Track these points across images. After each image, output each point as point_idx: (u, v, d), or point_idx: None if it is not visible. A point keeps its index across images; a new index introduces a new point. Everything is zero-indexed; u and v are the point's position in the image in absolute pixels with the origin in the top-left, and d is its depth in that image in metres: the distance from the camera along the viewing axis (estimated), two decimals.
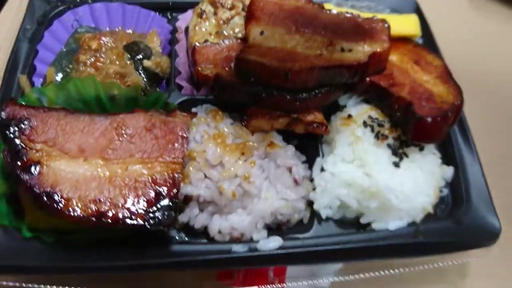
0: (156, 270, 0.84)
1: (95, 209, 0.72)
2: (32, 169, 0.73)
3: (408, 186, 0.87)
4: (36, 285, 0.79)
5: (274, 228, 0.92)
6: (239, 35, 1.07)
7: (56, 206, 0.72)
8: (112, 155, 0.77)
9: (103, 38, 1.06)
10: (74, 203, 0.72)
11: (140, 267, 0.82)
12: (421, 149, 0.91)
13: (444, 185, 0.97)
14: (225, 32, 1.08)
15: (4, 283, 0.79)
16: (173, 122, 0.82)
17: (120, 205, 0.74)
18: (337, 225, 0.92)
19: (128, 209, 0.74)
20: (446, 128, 0.88)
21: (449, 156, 1.00)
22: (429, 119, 0.83)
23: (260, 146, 0.89)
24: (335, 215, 0.92)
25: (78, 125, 0.79)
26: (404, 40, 1.10)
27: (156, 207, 0.75)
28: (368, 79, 0.96)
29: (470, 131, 1.02)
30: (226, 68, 0.96)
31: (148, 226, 0.74)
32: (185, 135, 0.82)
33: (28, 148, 0.75)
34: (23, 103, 0.83)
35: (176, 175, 0.78)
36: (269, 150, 0.89)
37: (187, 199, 0.85)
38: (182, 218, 0.86)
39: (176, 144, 0.80)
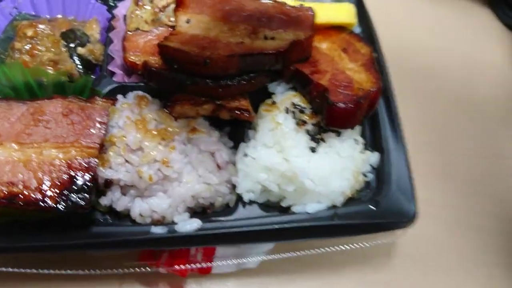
0: (78, 250, 0.88)
1: (7, 191, 0.75)
2: None
3: (324, 170, 0.90)
4: None
5: (199, 211, 0.95)
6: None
7: None
8: (27, 140, 0.80)
9: (40, 26, 1.08)
10: None
11: (62, 247, 0.85)
12: (339, 134, 0.93)
13: (369, 170, 1.00)
14: (161, 20, 1.10)
15: None
16: (91, 108, 0.84)
17: (33, 188, 0.76)
18: (261, 209, 0.96)
19: (41, 191, 0.76)
20: (359, 114, 0.90)
21: (376, 142, 1.03)
22: (340, 105, 0.86)
23: (182, 131, 0.91)
24: (260, 199, 0.95)
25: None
26: (338, 29, 1.12)
27: (69, 190, 0.77)
28: (293, 66, 0.98)
29: (399, 118, 1.04)
30: (155, 56, 0.98)
31: (61, 208, 0.77)
32: (103, 121, 0.84)
33: None
34: None
35: (91, 159, 0.80)
36: (191, 136, 0.92)
37: (108, 183, 0.88)
38: (105, 201, 0.89)
39: (92, 130, 0.83)
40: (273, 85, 1.03)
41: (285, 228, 0.89)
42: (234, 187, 0.96)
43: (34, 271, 0.85)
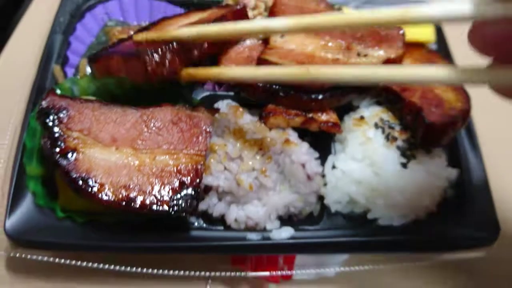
0: (175, 253, 0.91)
1: (125, 194, 0.79)
2: (69, 155, 0.80)
3: (413, 186, 0.92)
4: (67, 261, 0.87)
5: (286, 219, 0.98)
6: (260, 35, 1.12)
7: (90, 190, 0.79)
8: (142, 146, 0.84)
9: (131, 32, 1.12)
10: (106, 188, 0.79)
11: (160, 249, 0.89)
12: (429, 151, 0.96)
13: (448, 186, 1.03)
14: None
15: (39, 258, 0.86)
16: (197, 117, 0.88)
17: (148, 192, 0.80)
18: (345, 219, 0.99)
19: (155, 195, 0.80)
20: (453, 133, 0.93)
21: (455, 159, 1.05)
22: (438, 125, 0.89)
23: (277, 143, 0.95)
24: (344, 210, 0.98)
25: (111, 116, 0.85)
26: (418, 46, 1.14)
27: (180, 195, 0.81)
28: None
29: (477, 136, 1.07)
30: None
31: (172, 212, 0.80)
32: (208, 130, 0.88)
33: (66, 136, 0.81)
34: (61, 94, 0.90)
35: (199, 166, 0.84)
36: (284, 147, 0.95)
37: (207, 189, 0.92)
38: (202, 206, 0.93)
39: (200, 138, 0.86)
40: (358, 99, 1.06)
41: (371, 240, 0.92)
42: (319, 197, 0.99)
43: (128, 269, 0.89)
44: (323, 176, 0.99)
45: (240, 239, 0.90)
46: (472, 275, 1.04)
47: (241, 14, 1.05)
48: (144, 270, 0.89)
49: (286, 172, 0.95)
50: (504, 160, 1.19)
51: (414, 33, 1.13)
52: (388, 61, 0.96)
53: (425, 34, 1.15)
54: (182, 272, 0.90)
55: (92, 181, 0.79)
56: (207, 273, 0.92)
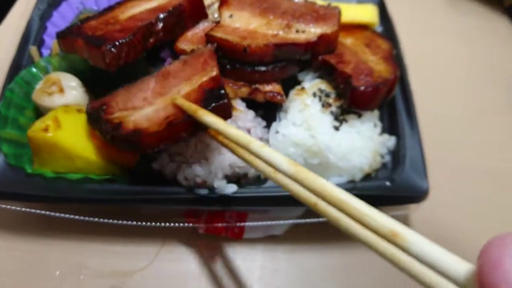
0: (131, 204, 1.03)
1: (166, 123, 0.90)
2: (118, 126, 0.93)
3: (345, 147, 1.02)
4: (36, 211, 0.99)
5: (235, 181, 1.09)
6: (219, 19, 1.24)
7: (141, 140, 0.91)
8: (166, 90, 0.96)
9: None
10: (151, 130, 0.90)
11: (118, 201, 1.00)
12: (359, 116, 1.06)
13: (386, 152, 1.12)
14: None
15: (12, 207, 0.98)
16: (198, 51, 1.02)
17: (180, 112, 0.91)
18: None
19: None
20: (378, 98, 1.03)
21: (394, 128, 1.15)
22: (361, 88, 0.99)
23: None
24: None
25: (134, 89, 0.99)
26: (362, 28, 1.25)
27: (207, 98, 0.91)
28: (320, 57, 1.11)
29: (414, 106, 1.17)
30: (202, 45, 1.13)
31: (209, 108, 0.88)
32: (211, 51, 1.00)
33: (110, 118, 0.95)
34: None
35: (213, 74, 0.95)
36: None
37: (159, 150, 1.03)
38: (155, 165, 1.04)
39: (207, 60, 0.99)
40: (302, 74, 1.18)
41: None
42: None
43: (91, 219, 1.00)
44: (268, 141, 1.10)
45: (188, 193, 1.01)
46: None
47: (196, 2, 1.15)
48: (105, 220, 1.00)
49: None
50: (440, 132, 1.30)
51: (356, 15, 1.24)
52: (323, 36, 1.07)
53: (367, 16, 1.26)
54: (141, 223, 1.01)
55: (138, 132, 0.90)
56: (163, 224, 1.03)
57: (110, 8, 1.14)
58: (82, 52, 1.05)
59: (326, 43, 1.09)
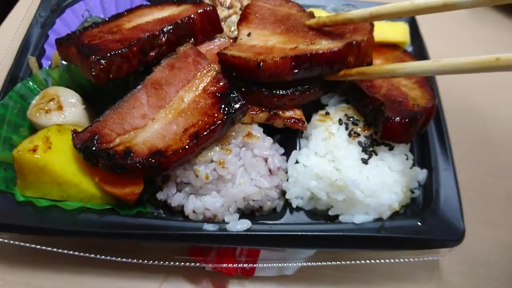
0: (133, 240, 0.92)
1: (189, 134, 0.85)
2: (127, 155, 0.83)
3: (374, 182, 0.91)
4: (27, 244, 0.88)
5: (248, 213, 0.98)
6: (235, 33, 1.14)
7: (162, 161, 0.84)
8: (167, 100, 0.89)
9: None
10: (171, 148, 0.84)
11: (119, 235, 0.89)
12: (391, 148, 0.95)
13: (416, 186, 1.01)
14: None
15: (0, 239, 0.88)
16: (180, 52, 0.95)
17: (198, 123, 0.86)
18: (308, 215, 0.98)
19: (206, 119, 0.86)
20: (414, 129, 0.92)
21: (425, 160, 1.04)
22: (396, 119, 0.88)
23: (238, 136, 0.95)
24: (307, 206, 0.98)
25: (125, 107, 0.89)
26: (392, 47, 1.14)
27: (224, 103, 0.87)
28: (348, 80, 1.00)
29: (448, 137, 1.06)
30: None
31: (228, 118, 0.87)
32: (193, 47, 0.95)
33: (112, 147, 0.84)
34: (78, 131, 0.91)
35: (214, 73, 0.91)
36: (246, 140, 0.95)
37: (165, 178, 0.92)
38: (160, 196, 0.93)
39: (197, 59, 0.93)
40: (326, 97, 1.06)
41: (331, 236, 0.91)
42: (283, 193, 0.99)
43: (92, 256, 0.90)
44: (287, 172, 0.99)
45: (196, 229, 0.90)
46: (440, 276, 1.02)
47: (209, 16, 1.04)
48: (103, 256, 0.89)
49: (247, 165, 0.95)
50: (475, 163, 1.18)
51: (387, 33, 1.13)
52: (351, 45, 0.93)
53: (399, 35, 1.15)
54: (140, 261, 0.91)
55: (158, 153, 0.83)
56: (167, 263, 0.92)
57: (117, 16, 1.04)
58: (76, 61, 0.95)
59: (357, 54, 0.95)
